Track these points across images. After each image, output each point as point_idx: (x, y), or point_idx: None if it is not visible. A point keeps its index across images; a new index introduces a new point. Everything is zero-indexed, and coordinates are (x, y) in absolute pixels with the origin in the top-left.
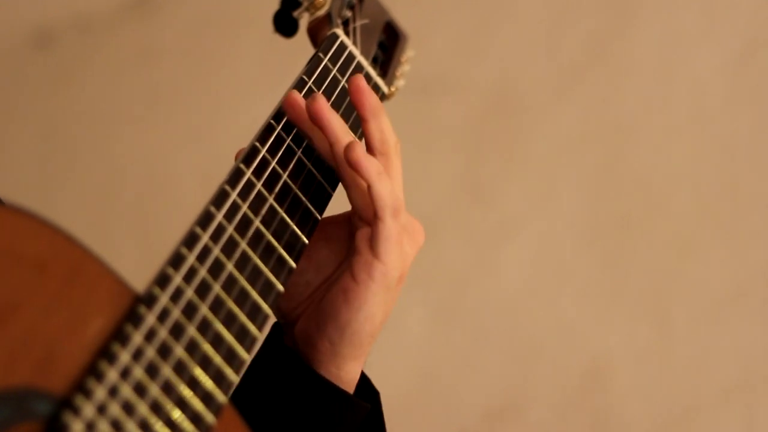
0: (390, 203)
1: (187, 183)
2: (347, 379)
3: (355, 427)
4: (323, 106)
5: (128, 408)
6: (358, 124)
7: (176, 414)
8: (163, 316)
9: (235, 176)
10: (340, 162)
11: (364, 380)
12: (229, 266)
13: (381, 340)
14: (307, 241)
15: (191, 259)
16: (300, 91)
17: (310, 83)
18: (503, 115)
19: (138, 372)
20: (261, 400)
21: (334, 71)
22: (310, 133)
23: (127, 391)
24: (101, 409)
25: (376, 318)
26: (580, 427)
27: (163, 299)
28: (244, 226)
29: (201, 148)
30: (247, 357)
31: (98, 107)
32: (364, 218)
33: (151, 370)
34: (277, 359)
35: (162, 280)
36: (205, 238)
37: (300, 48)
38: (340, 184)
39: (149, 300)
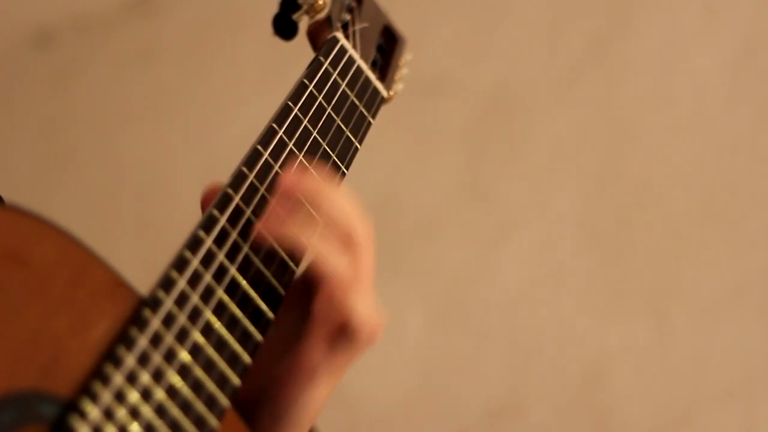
0: (368, 327)
1: (187, 183)
2: None
3: None
4: (270, 227)
5: (133, 411)
6: (359, 128)
7: (180, 417)
8: (167, 320)
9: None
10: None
11: None
12: (232, 270)
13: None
14: None
15: (195, 263)
16: (301, 96)
17: (311, 87)
18: (503, 116)
19: (143, 375)
20: None
21: (335, 75)
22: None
23: (132, 394)
24: (107, 412)
25: (317, 406)
26: (580, 427)
27: (168, 303)
28: (247, 230)
29: (201, 148)
30: (249, 361)
31: (98, 107)
32: (332, 322)
33: (156, 373)
34: None
35: (166, 284)
36: (208, 241)
37: (300, 48)
38: None
39: (154, 303)
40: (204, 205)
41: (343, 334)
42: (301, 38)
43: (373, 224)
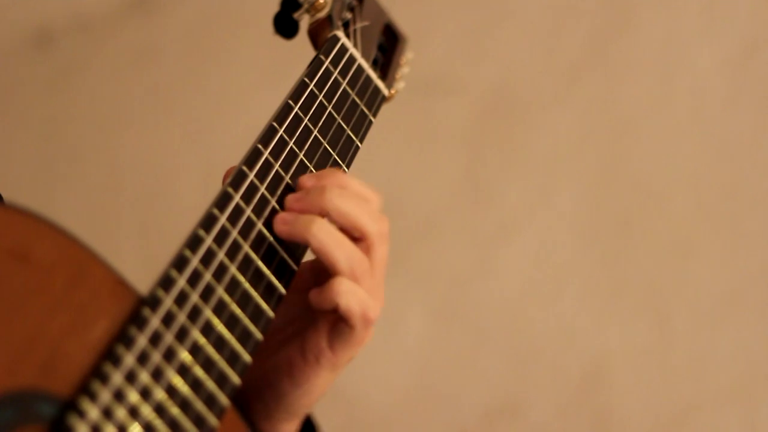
0: (360, 312)
1: (187, 183)
2: None
3: None
4: (280, 226)
5: (132, 410)
6: (359, 127)
7: (180, 416)
8: (167, 319)
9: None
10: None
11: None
12: (233, 269)
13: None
14: None
15: (195, 262)
16: (302, 94)
17: (312, 86)
18: (503, 115)
19: (142, 374)
20: None
21: (336, 74)
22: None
23: (131, 393)
24: (106, 412)
25: (315, 394)
26: (580, 427)
27: (168, 302)
28: (247, 229)
29: (201, 148)
30: (249, 359)
31: (98, 107)
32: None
33: (156, 373)
34: None
35: (166, 283)
36: (208, 240)
37: (300, 48)
38: None
39: (153, 302)
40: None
41: (340, 321)
42: (302, 37)
43: (388, 223)
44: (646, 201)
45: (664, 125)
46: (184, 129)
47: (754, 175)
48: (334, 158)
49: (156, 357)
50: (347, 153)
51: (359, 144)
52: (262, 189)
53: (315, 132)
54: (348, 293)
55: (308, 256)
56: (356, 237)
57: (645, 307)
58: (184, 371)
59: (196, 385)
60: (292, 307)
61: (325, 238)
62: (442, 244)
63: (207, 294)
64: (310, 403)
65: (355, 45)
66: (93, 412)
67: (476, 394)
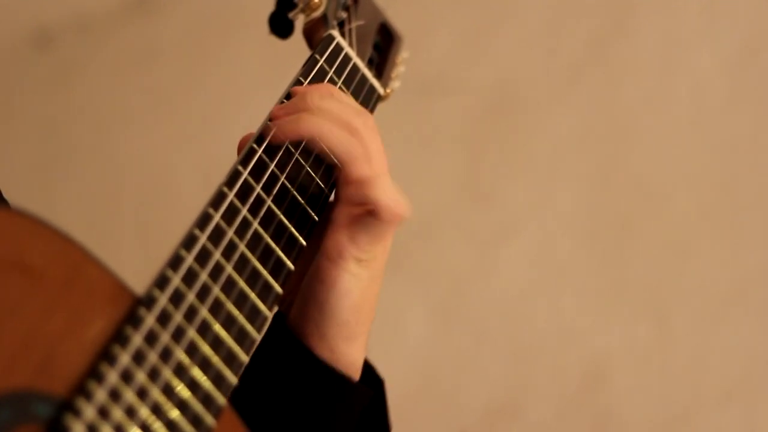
0: (393, 206)
1: (187, 183)
2: (345, 362)
3: (354, 412)
4: (280, 131)
5: (129, 410)
6: None
7: (176, 416)
8: (163, 318)
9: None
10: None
11: (368, 368)
12: (228, 268)
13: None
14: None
15: (190, 261)
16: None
17: (306, 84)
18: (503, 115)
19: (138, 374)
20: (263, 385)
21: (331, 73)
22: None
23: (127, 393)
24: (102, 411)
25: (353, 293)
26: (580, 427)
27: (163, 301)
28: (242, 228)
29: (201, 148)
30: (246, 359)
31: (98, 107)
32: (354, 201)
33: (152, 372)
34: (277, 344)
35: (161, 282)
36: (203, 239)
37: (301, 48)
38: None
39: (149, 302)
40: (240, 149)
41: (364, 211)
42: (300, 37)
43: (373, 119)
44: (646, 201)
45: (664, 125)
46: (183, 129)
47: (754, 175)
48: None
49: (152, 357)
50: None
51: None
52: (258, 189)
53: None
54: (382, 187)
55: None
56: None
57: (645, 307)
58: (180, 371)
59: (193, 385)
60: (314, 241)
61: (317, 126)
62: (442, 244)
63: (203, 294)
64: (353, 306)
65: (350, 44)
66: (89, 411)
67: (476, 394)
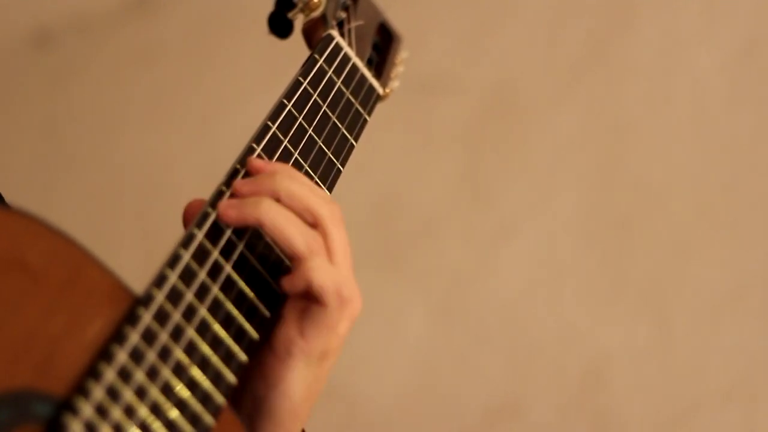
0: (333, 288)
1: (187, 183)
2: None
3: None
4: (228, 211)
5: (128, 409)
6: (354, 125)
7: (175, 415)
8: (161, 317)
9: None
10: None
11: None
12: (228, 268)
13: (381, 340)
14: None
15: (189, 260)
16: (295, 93)
17: (305, 84)
18: (503, 115)
19: (137, 373)
20: None
21: (330, 72)
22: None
23: (126, 392)
24: (101, 410)
25: (295, 396)
26: (580, 427)
27: (162, 301)
28: (242, 228)
29: (201, 148)
30: (245, 359)
31: (98, 107)
32: (299, 293)
33: (151, 372)
34: None
35: (160, 282)
36: (203, 239)
37: (301, 48)
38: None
39: (147, 301)
40: (186, 219)
41: (311, 303)
42: (302, 37)
43: (340, 209)
44: (646, 201)
45: (664, 125)
46: (183, 129)
47: (754, 175)
48: (329, 157)
49: (151, 356)
50: (342, 152)
51: (354, 143)
52: None
53: (309, 131)
54: (320, 269)
55: None
56: (309, 222)
57: (645, 307)
58: (179, 371)
59: (192, 384)
60: None
61: (276, 216)
62: (442, 244)
63: (202, 293)
64: (292, 409)
65: (349, 44)
66: (87, 410)
67: (476, 394)
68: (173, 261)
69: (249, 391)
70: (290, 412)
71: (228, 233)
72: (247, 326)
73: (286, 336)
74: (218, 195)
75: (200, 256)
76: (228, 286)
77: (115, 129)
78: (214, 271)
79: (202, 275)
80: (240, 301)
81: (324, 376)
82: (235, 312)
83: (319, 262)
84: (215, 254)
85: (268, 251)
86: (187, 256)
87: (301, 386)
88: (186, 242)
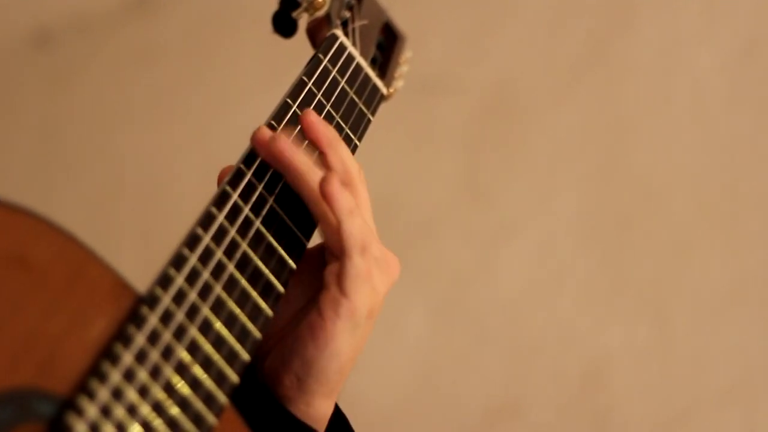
0: (359, 240)
1: (187, 183)
2: (317, 417)
3: None
4: (284, 147)
5: (131, 408)
6: (358, 125)
7: (178, 414)
8: (165, 316)
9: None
10: (309, 198)
11: (338, 416)
12: (231, 267)
13: (382, 339)
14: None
15: (193, 260)
16: (300, 93)
17: (310, 84)
18: (503, 115)
19: (140, 372)
20: None
21: (334, 72)
22: (282, 171)
23: (129, 391)
24: (104, 410)
25: (343, 355)
26: (580, 427)
27: (166, 300)
28: (244, 227)
29: (201, 148)
30: (248, 358)
31: (98, 107)
32: (334, 253)
33: (154, 371)
34: (248, 395)
35: (164, 281)
36: (206, 239)
37: (301, 48)
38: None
39: (151, 301)
40: (221, 182)
41: (347, 257)
42: (303, 37)
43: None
44: (646, 201)
45: (664, 125)
46: (183, 129)
47: (754, 175)
48: None
49: (154, 355)
50: None
51: (358, 142)
52: (260, 188)
53: None
54: (352, 219)
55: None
56: (344, 181)
57: (645, 307)
58: (182, 370)
59: (194, 383)
60: (299, 289)
61: (329, 189)
62: (442, 244)
63: (205, 292)
64: (339, 369)
65: (353, 44)
66: (91, 410)
67: (476, 394)
68: (177, 261)
69: (298, 354)
70: (338, 371)
71: (232, 233)
72: (250, 326)
73: (331, 298)
74: (222, 196)
75: (204, 255)
76: (230, 286)
77: (115, 129)
78: (217, 271)
79: (206, 275)
80: (243, 300)
81: (366, 337)
82: (237, 311)
83: (354, 216)
84: (219, 254)
85: (270, 251)
86: (192, 257)
87: (349, 345)
88: (190, 242)
